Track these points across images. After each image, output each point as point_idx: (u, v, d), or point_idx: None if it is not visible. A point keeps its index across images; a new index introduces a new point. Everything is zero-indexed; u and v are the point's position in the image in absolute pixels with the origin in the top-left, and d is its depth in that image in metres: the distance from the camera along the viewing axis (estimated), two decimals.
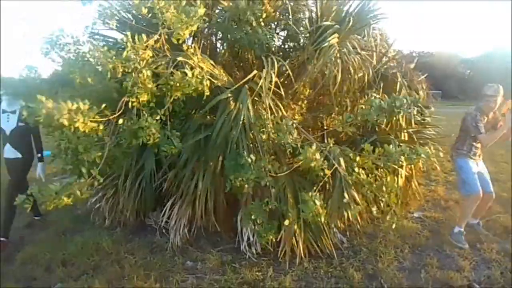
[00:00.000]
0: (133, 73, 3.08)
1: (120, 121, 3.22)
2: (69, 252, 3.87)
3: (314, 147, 3.27)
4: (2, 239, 4.14)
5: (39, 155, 4.44)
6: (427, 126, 5.49)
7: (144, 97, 3.22)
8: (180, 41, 3.37)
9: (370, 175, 3.52)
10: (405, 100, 3.79)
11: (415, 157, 3.38)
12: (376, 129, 4.79)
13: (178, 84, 3.30)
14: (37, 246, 4.07)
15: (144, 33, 3.47)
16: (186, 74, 3.27)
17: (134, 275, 3.39)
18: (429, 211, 5.15)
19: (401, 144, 4.62)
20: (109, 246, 4.00)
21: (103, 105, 2.91)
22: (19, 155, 4.29)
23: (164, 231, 4.26)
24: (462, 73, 58.14)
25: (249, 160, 3.43)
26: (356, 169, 3.52)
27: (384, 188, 3.37)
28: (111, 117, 3.10)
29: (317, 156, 3.21)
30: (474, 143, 4.26)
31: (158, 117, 3.43)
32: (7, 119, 4.22)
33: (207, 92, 3.45)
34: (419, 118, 5.39)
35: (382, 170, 4.00)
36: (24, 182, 4.43)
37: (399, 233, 4.32)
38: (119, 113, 3.17)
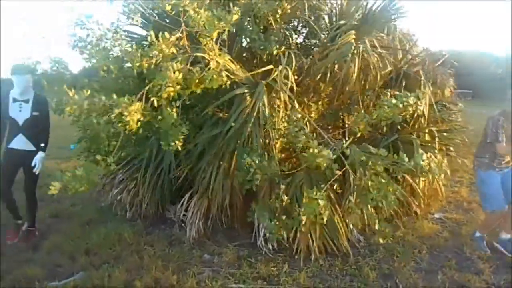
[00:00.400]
0: (163, 71, 3.12)
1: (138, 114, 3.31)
2: (92, 242, 4.00)
3: (316, 143, 3.28)
4: (31, 228, 4.24)
5: (42, 144, 4.08)
6: (454, 126, 5.38)
7: (170, 92, 3.26)
8: (208, 42, 3.44)
9: (379, 179, 3.49)
10: (420, 96, 3.77)
11: (426, 170, 3.34)
12: (398, 127, 4.76)
13: (197, 80, 3.36)
14: (62, 235, 4.23)
15: (166, 30, 3.57)
16: (205, 68, 3.32)
17: (153, 266, 3.48)
18: (450, 213, 5.06)
19: (423, 144, 4.61)
20: (130, 237, 4.12)
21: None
22: (33, 147, 4.04)
23: (182, 224, 4.34)
24: (494, 73, 56.32)
25: (256, 160, 3.48)
26: (367, 173, 3.53)
27: (389, 198, 3.35)
28: (133, 108, 3.17)
29: (324, 153, 3.20)
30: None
31: (175, 110, 3.50)
32: (19, 108, 3.95)
33: (225, 87, 3.48)
34: (443, 117, 5.31)
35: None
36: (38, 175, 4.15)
37: (418, 233, 4.28)
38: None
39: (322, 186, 3.75)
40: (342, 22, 4.21)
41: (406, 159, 3.32)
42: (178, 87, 3.16)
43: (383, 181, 3.37)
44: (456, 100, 6.22)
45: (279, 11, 4.07)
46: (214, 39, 3.57)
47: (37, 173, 4.01)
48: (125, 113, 2.93)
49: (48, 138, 4.19)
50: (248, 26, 4.15)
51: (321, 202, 3.10)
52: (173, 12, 3.61)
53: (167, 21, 4.41)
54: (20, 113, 3.95)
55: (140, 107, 3.05)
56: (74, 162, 8.36)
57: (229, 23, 3.27)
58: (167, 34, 3.29)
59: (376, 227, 3.42)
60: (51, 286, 3.20)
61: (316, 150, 3.24)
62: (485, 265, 3.63)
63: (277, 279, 3.38)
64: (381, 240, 3.44)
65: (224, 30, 3.44)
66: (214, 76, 3.30)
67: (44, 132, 4.12)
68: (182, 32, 3.57)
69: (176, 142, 3.28)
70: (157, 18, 4.53)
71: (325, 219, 3.19)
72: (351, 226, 4.05)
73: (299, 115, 3.78)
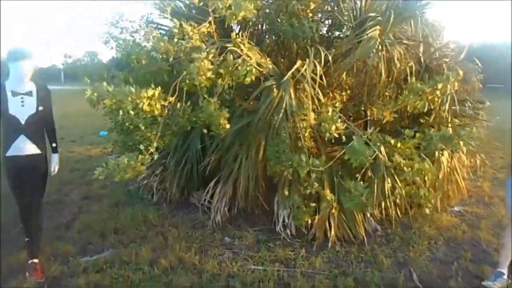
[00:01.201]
0: (194, 62, 3.26)
1: (178, 105, 3.51)
2: (120, 223, 4.25)
3: (358, 138, 3.37)
4: (35, 260, 3.27)
5: (54, 144, 3.55)
6: (478, 119, 5.35)
7: (201, 81, 3.41)
8: (237, 36, 3.58)
9: (410, 161, 3.57)
10: (448, 79, 3.76)
11: (455, 140, 3.37)
12: (420, 120, 4.79)
13: (229, 70, 3.50)
14: (92, 215, 4.51)
15: (195, 20, 3.74)
16: (238, 60, 3.46)
17: (177, 246, 3.69)
18: (471, 206, 5.06)
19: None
20: (155, 219, 4.35)
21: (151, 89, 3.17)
22: (38, 150, 3.27)
23: (206, 209, 4.54)
24: None
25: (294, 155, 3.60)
26: (397, 156, 3.60)
27: (423, 173, 3.42)
28: (170, 100, 3.35)
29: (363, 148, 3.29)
30: None
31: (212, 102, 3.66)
32: (21, 103, 3.15)
33: (251, 80, 3.60)
34: (469, 111, 5.29)
35: (421, 158, 4.03)
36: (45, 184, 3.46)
37: (436, 225, 4.33)
38: (175, 96, 3.43)
39: (349, 175, 3.89)
40: (366, 15, 4.24)
41: (434, 133, 3.37)
42: (209, 73, 3.30)
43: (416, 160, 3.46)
44: (483, 95, 6.15)
45: (312, 6, 4.15)
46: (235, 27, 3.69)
47: (52, 174, 3.53)
48: (144, 102, 3.12)
49: (56, 134, 3.59)
50: (279, 20, 4.24)
51: (361, 190, 3.22)
52: (201, 3, 3.78)
53: (194, 11, 4.59)
54: (23, 108, 3.15)
55: (158, 95, 3.21)
56: (103, 148, 8.79)
57: (256, 8, 3.37)
58: (195, 24, 3.46)
59: (422, 193, 3.46)
60: (83, 261, 3.44)
61: (357, 144, 3.31)
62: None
63: (294, 262, 3.52)
64: (427, 211, 3.66)
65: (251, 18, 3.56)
66: (248, 69, 3.44)
67: (53, 130, 3.52)
68: (210, 22, 3.72)
69: (223, 124, 3.47)
70: (186, 10, 4.72)
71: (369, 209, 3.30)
72: (368, 215, 4.15)
73: (335, 112, 3.87)
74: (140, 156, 3.16)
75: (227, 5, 3.36)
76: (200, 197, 4.71)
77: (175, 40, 3.47)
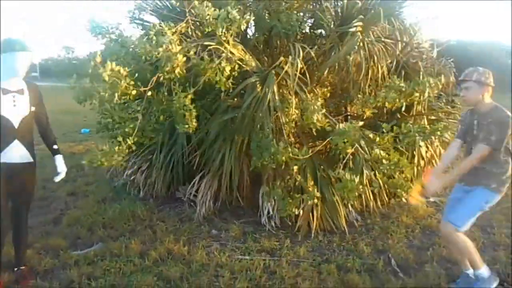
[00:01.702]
0: (166, 60, 3.37)
1: (149, 93, 3.61)
2: (108, 217, 4.33)
3: (343, 124, 3.56)
4: (22, 267, 3.15)
5: (55, 146, 3.20)
6: (452, 113, 5.60)
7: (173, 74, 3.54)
8: (222, 33, 3.71)
9: (387, 154, 3.78)
10: (427, 84, 4.00)
11: (431, 133, 3.66)
12: (398, 115, 5.00)
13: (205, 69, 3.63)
14: (80, 211, 4.56)
15: (173, 20, 3.85)
16: (212, 61, 3.59)
17: (165, 239, 3.79)
18: (446, 197, 5.30)
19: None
20: (143, 213, 4.44)
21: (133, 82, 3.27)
22: (30, 158, 2.97)
23: (192, 203, 4.64)
24: (504, 64, 55.75)
25: (273, 144, 3.75)
26: (376, 149, 3.81)
27: (399, 165, 3.64)
28: (142, 89, 3.44)
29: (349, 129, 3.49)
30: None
31: (187, 96, 3.78)
32: (12, 102, 2.79)
33: (231, 76, 3.73)
34: (443, 106, 5.54)
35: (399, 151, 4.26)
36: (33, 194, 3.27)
37: (413, 215, 4.55)
38: (151, 86, 3.52)
39: (330, 166, 4.06)
40: (348, 14, 4.40)
41: (410, 127, 3.67)
42: (178, 69, 3.41)
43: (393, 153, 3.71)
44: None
45: (296, 5, 4.30)
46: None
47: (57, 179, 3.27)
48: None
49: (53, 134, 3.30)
50: (266, 17, 4.40)
51: (352, 177, 3.49)
52: (178, 3, 3.89)
53: (175, 12, 4.69)
54: (15, 109, 2.78)
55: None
56: (85, 145, 8.78)
57: (240, 24, 3.52)
58: (171, 24, 3.58)
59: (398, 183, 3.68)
60: (73, 254, 3.51)
61: (341, 126, 3.53)
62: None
63: (279, 252, 3.67)
64: (404, 200, 3.88)
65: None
66: (225, 66, 3.57)
67: (50, 131, 3.20)
68: (187, 22, 3.83)
69: (190, 123, 3.54)
70: (165, 11, 4.82)
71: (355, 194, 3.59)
72: (349, 207, 4.34)
73: (318, 103, 4.03)
74: (118, 147, 3.29)
75: (206, 15, 3.48)
76: (185, 192, 4.82)
77: (154, 38, 3.54)
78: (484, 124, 2.83)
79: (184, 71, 3.51)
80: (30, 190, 3.11)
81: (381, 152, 3.81)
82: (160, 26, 3.54)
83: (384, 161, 3.72)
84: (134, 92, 3.29)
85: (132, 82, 3.20)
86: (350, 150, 3.71)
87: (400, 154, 3.99)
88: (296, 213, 3.99)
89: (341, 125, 3.62)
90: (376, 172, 4.06)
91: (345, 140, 3.56)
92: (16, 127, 2.80)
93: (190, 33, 4.13)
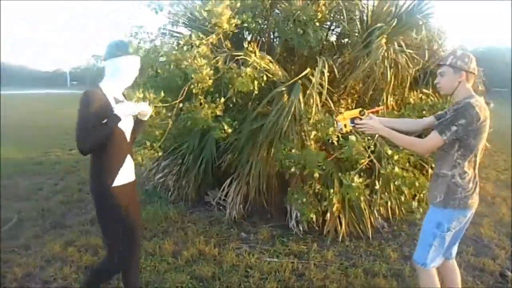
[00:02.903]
0: (192, 71, 3.57)
1: (181, 105, 3.79)
2: (142, 219, 4.49)
3: (354, 138, 3.64)
4: None
5: None
6: None
7: (203, 85, 3.74)
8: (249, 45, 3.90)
9: (404, 171, 3.86)
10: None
11: None
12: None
13: (232, 80, 3.82)
14: None
15: (203, 31, 4.05)
16: (240, 73, 3.76)
17: (197, 240, 3.95)
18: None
19: None
20: (174, 216, 4.63)
21: (163, 94, 3.46)
22: (134, 176, 2.64)
23: (221, 207, 4.80)
24: None
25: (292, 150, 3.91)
26: (391, 164, 3.89)
27: (416, 184, 3.70)
28: (173, 103, 3.64)
29: (359, 146, 3.56)
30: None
31: (217, 106, 3.97)
32: None
33: (256, 91, 3.89)
34: None
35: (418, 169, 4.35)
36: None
37: None
38: (181, 98, 3.71)
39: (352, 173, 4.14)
40: (372, 24, 4.50)
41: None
42: (210, 81, 3.61)
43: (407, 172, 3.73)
44: (488, 99, 6.38)
45: (319, 15, 4.42)
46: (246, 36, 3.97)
47: None
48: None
49: None
50: (287, 28, 4.52)
51: (358, 180, 3.55)
52: (206, 14, 4.09)
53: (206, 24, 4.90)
54: (126, 120, 2.42)
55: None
56: None
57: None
58: (200, 34, 3.77)
59: (415, 204, 3.75)
60: None
61: (353, 144, 3.58)
62: (502, 251, 3.90)
63: (307, 256, 3.77)
64: (418, 217, 3.68)
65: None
66: (245, 80, 3.74)
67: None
68: (217, 34, 4.02)
69: (225, 130, 3.81)
70: (195, 22, 5.03)
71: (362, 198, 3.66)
72: (375, 213, 4.40)
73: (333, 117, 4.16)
74: (145, 150, 3.51)
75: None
76: (215, 195, 4.98)
77: (185, 48, 3.74)
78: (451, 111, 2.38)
79: (211, 82, 3.71)
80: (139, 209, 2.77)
81: (396, 168, 3.87)
82: (190, 37, 3.74)
83: (400, 178, 3.78)
84: (164, 110, 3.50)
85: (160, 104, 3.30)
86: (364, 161, 3.79)
87: (418, 171, 4.07)
88: (315, 218, 4.11)
89: (352, 137, 3.66)
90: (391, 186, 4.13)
91: (354, 154, 3.64)
92: (128, 140, 2.50)
93: (219, 44, 4.31)
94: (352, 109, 5.20)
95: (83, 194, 5.59)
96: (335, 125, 2.59)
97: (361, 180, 3.59)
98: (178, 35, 5.31)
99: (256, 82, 3.84)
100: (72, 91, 43.90)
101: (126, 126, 2.44)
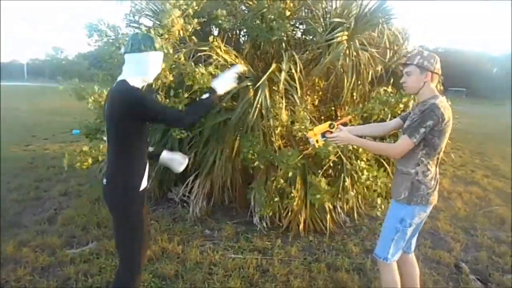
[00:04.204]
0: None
1: None
2: (102, 217, 4.38)
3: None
4: None
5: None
6: None
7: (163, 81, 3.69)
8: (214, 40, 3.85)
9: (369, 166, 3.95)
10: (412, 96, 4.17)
11: None
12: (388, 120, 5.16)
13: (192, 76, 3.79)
14: (74, 210, 4.61)
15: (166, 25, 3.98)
16: (199, 71, 3.73)
17: (159, 238, 3.87)
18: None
19: None
20: None
21: None
22: None
23: (184, 204, 4.74)
24: (489, 72, 57.14)
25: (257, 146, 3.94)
26: (357, 160, 3.97)
27: (379, 180, 3.81)
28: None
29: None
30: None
31: (180, 101, 3.91)
32: None
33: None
34: None
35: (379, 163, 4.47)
36: None
37: None
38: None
39: (318, 172, 4.19)
40: (337, 21, 4.56)
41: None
42: (171, 77, 3.61)
43: (370, 166, 3.80)
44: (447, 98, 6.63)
45: (287, 13, 4.42)
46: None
47: None
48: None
49: None
50: (255, 24, 4.50)
51: (324, 185, 3.65)
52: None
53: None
54: None
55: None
56: (76, 145, 8.80)
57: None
58: (160, 30, 3.70)
59: (379, 201, 3.86)
60: (69, 253, 3.57)
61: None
62: (457, 244, 4.07)
63: (271, 251, 3.78)
64: (379, 214, 3.87)
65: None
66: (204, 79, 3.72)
67: None
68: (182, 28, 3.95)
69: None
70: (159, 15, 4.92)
71: (327, 201, 3.71)
72: (338, 208, 4.48)
73: (305, 114, 4.19)
74: (101, 145, 3.44)
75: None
76: (178, 192, 4.90)
77: None
78: (416, 112, 2.40)
79: (171, 78, 3.65)
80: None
81: (362, 163, 3.96)
82: (149, 30, 3.65)
83: (365, 172, 3.88)
84: None
85: None
86: (332, 158, 3.87)
87: (380, 166, 4.19)
88: (278, 214, 4.14)
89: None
90: (356, 181, 4.22)
91: (327, 149, 3.69)
92: (148, 141, 2.38)
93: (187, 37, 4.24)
94: (316, 106, 5.29)
95: (40, 192, 5.36)
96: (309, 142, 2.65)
97: (326, 182, 3.65)
98: (141, 27, 5.17)
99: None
100: (29, 83, 42.19)
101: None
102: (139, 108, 2.07)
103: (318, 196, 3.80)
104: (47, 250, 3.61)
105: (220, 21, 4.44)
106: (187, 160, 2.48)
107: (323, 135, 2.55)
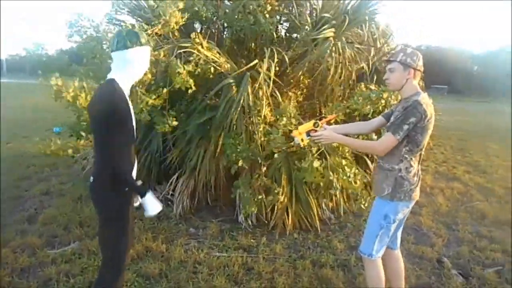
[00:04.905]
0: None
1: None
2: (85, 216, 4.31)
3: None
4: None
5: None
6: None
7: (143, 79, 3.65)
8: (196, 36, 3.80)
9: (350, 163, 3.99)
10: (393, 95, 4.21)
11: None
12: (370, 116, 5.20)
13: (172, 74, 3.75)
14: (56, 209, 4.52)
15: (150, 21, 3.93)
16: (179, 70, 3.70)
17: (143, 237, 3.83)
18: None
19: None
20: None
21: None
22: None
23: (169, 202, 4.69)
24: (470, 69, 58.18)
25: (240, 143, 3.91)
26: (337, 157, 4.00)
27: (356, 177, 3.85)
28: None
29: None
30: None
31: (158, 96, 3.87)
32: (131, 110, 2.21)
33: (192, 88, 3.87)
34: None
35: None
36: None
37: None
38: None
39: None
40: (322, 18, 4.57)
41: (375, 137, 3.76)
42: (149, 75, 3.63)
43: (347, 163, 3.84)
44: (429, 95, 6.72)
45: (268, 7, 4.40)
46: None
47: None
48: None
49: None
50: (236, 18, 4.48)
51: (316, 164, 3.63)
52: (156, 6, 3.99)
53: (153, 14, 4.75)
54: (133, 119, 2.18)
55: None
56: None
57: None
58: (144, 25, 3.65)
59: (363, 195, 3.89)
60: (50, 253, 3.50)
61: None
62: (439, 239, 4.13)
63: (256, 249, 3.77)
64: (364, 203, 3.88)
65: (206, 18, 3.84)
66: (180, 78, 3.70)
67: None
68: (164, 25, 3.90)
69: (168, 123, 3.69)
70: (142, 12, 4.85)
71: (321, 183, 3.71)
72: (323, 205, 4.49)
73: (293, 110, 4.19)
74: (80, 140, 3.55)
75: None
76: (163, 190, 4.85)
77: None
78: (399, 109, 2.43)
79: (150, 76, 3.61)
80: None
81: (343, 160, 3.99)
82: (133, 27, 3.59)
83: (346, 168, 3.90)
84: None
85: None
86: (315, 152, 3.88)
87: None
88: (264, 212, 4.14)
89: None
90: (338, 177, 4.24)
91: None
92: (135, 139, 2.29)
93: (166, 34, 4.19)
94: (300, 102, 5.29)
95: (20, 191, 5.24)
96: (293, 142, 2.66)
97: (319, 163, 3.65)
98: (122, 23, 5.09)
99: (191, 80, 3.79)
100: (8, 80, 41.24)
101: (134, 124, 2.19)
102: (104, 115, 2.00)
103: (308, 174, 3.74)
104: (27, 250, 3.54)
105: (200, 12, 4.39)
106: (159, 210, 2.24)
107: (308, 133, 2.56)
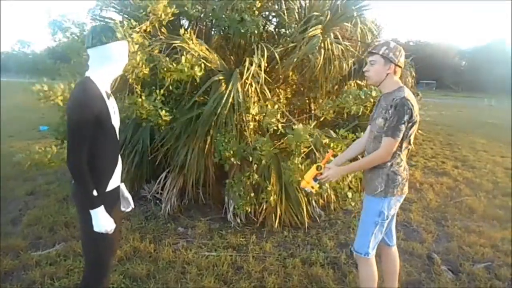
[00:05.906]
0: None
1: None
2: (70, 216, 4.22)
3: (297, 126, 3.66)
4: None
5: None
6: None
7: (138, 73, 3.56)
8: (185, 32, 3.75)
9: None
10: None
11: None
12: (359, 113, 5.18)
13: (170, 68, 3.66)
14: (40, 210, 4.43)
15: (137, 18, 3.85)
16: (179, 61, 3.61)
17: (131, 237, 3.76)
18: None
19: None
20: None
21: None
22: None
23: (157, 201, 4.63)
24: (458, 65, 58.79)
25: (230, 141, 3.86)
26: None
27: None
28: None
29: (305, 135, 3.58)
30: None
31: (153, 94, 3.80)
32: (113, 108, 2.13)
33: (197, 76, 3.76)
34: None
35: None
36: None
37: None
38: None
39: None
40: (311, 15, 4.53)
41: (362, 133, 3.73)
42: (147, 69, 3.49)
43: None
44: (418, 90, 6.73)
45: (257, 4, 4.34)
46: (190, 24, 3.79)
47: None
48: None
49: None
50: (224, 16, 4.41)
51: (301, 166, 3.59)
52: (142, 3, 3.91)
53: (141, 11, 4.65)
54: (115, 117, 2.15)
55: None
56: (44, 143, 8.49)
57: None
58: (133, 21, 3.57)
59: (349, 195, 3.82)
60: (34, 255, 3.42)
61: (294, 127, 3.61)
62: (429, 235, 4.12)
63: (246, 248, 3.73)
64: (352, 204, 3.83)
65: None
66: (185, 68, 3.60)
67: None
68: (152, 22, 3.82)
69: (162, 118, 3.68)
70: (128, 8, 4.76)
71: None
72: (313, 203, 4.46)
73: (276, 107, 4.14)
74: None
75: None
76: (151, 189, 4.79)
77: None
78: (383, 106, 2.40)
79: (147, 70, 3.53)
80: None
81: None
82: (121, 23, 3.51)
83: None
84: None
85: None
86: (304, 150, 3.85)
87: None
88: (253, 210, 4.10)
89: (295, 127, 3.69)
90: None
91: (299, 142, 3.66)
92: (118, 139, 2.21)
93: (154, 31, 4.12)
94: (289, 99, 5.26)
95: (5, 191, 5.12)
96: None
97: (305, 162, 3.62)
98: (108, 20, 4.99)
99: (196, 68, 3.69)
100: None
101: (116, 122, 2.13)
102: (69, 116, 1.92)
103: (292, 173, 3.71)
104: (11, 253, 3.44)
105: (186, 8, 4.31)
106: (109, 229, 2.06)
107: (314, 179, 2.56)
